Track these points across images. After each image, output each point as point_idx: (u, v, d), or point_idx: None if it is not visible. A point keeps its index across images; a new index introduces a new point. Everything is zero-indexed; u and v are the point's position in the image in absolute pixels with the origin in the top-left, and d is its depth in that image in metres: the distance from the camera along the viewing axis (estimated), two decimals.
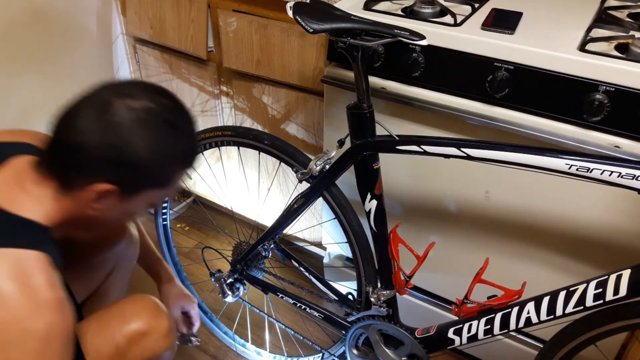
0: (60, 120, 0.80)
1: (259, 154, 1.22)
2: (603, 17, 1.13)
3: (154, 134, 0.80)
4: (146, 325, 0.94)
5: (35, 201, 0.81)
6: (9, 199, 0.80)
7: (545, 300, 0.88)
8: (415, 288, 1.41)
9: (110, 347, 0.93)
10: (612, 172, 0.77)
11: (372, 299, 1.10)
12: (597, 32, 1.06)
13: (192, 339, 1.29)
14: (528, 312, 0.91)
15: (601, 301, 0.82)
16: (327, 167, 1.07)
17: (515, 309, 0.92)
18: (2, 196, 0.80)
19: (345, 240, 1.13)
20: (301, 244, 1.72)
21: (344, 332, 1.21)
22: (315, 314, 1.23)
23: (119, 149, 0.78)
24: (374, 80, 1.16)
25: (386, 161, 1.24)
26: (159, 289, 1.27)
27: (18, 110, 1.51)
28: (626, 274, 0.80)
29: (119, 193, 0.82)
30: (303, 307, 1.25)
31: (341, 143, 1.05)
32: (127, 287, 1.26)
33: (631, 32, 1.05)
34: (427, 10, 1.15)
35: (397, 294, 1.10)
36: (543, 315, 0.89)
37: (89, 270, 1.15)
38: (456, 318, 1.03)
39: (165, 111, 0.82)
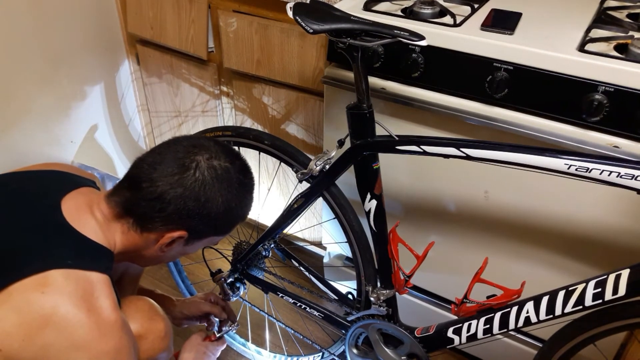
0: (144, 170, 0.88)
1: (259, 154, 1.22)
2: (602, 18, 1.13)
3: (229, 191, 0.90)
4: (141, 328, 0.95)
5: (105, 230, 0.88)
6: (81, 222, 0.85)
7: (545, 299, 0.89)
8: (415, 287, 1.41)
9: None
10: (611, 172, 0.77)
11: (372, 299, 1.11)
12: (597, 33, 1.06)
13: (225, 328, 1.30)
14: (527, 312, 0.91)
15: (600, 301, 0.82)
16: (327, 167, 1.07)
17: (515, 309, 0.93)
18: (75, 218, 0.85)
19: (345, 240, 1.13)
20: (301, 243, 1.73)
21: (343, 331, 1.22)
22: (315, 313, 1.23)
23: (200, 203, 0.88)
24: (373, 81, 1.16)
25: (386, 161, 1.24)
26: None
27: (18, 112, 1.51)
28: (625, 273, 0.80)
29: (187, 238, 0.92)
30: (303, 306, 1.25)
31: (341, 143, 1.05)
32: (135, 294, 1.24)
33: (630, 33, 1.05)
34: (427, 10, 1.15)
35: (397, 293, 1.11)
36: (542, 315, 0.89)
37: None
38: (455, 317, 1.03)
39: (239, 171, 0.93)
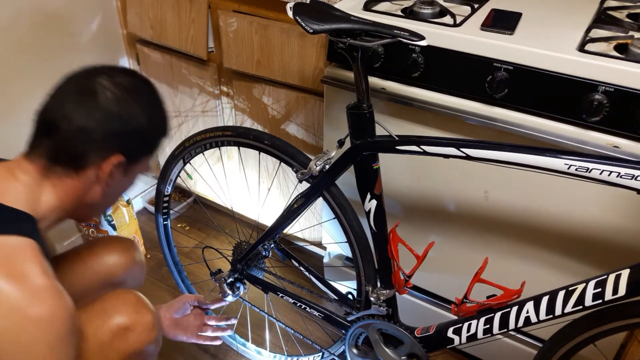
0: (52, 112, 0.84)
1: (259, 154, 1.22)
2: (602, 18, 1.13)
3: (146, 103, 0.89)
4: (128, 320, 0.94)
5: (26, 193, 0.83)
6: (2, 191, 0.81)
7: (545, 299, 0.89)
8: (415, 287, 1.41)
9: (94, 343, 0.92)
10: (611, 172, 0.77)
11: (372, 299, 1.11)
12: (597, 33, 1.06)
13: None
14: (527, 312, 0.91)
15: (600, 301, 0.82)
16: (327, 167, 1.07)
17: (515, 309, 0.93)
18: None
19: (345, 240, 1.13)
20: (301, 243, 1.73)
21: (343, 331, 1.22)
22: (315, 313, 1.23)
23: (124, 120, 0.85)
24: (373, 81, 1.16)
25: (386, 161, 1.25)
26: None
27: (18, 112, 1.51)
28: (625, 273, 0.80)
29: (125, 164, 0.89)
30: (303, 306, 1.25)
31: (341, 143, 1.05)
32: None
33: (630, 33, 1.05)
34: (427, 10, 1.15)
35: (397, 293, 1.11)
36: (542, 315, 0.89)
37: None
38: (455, 317, 1.03)
39: (144, 83, 0.91)
